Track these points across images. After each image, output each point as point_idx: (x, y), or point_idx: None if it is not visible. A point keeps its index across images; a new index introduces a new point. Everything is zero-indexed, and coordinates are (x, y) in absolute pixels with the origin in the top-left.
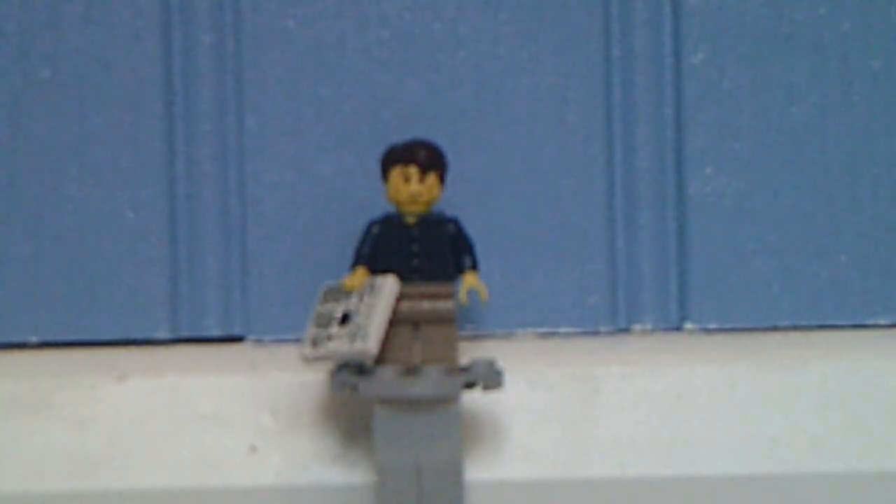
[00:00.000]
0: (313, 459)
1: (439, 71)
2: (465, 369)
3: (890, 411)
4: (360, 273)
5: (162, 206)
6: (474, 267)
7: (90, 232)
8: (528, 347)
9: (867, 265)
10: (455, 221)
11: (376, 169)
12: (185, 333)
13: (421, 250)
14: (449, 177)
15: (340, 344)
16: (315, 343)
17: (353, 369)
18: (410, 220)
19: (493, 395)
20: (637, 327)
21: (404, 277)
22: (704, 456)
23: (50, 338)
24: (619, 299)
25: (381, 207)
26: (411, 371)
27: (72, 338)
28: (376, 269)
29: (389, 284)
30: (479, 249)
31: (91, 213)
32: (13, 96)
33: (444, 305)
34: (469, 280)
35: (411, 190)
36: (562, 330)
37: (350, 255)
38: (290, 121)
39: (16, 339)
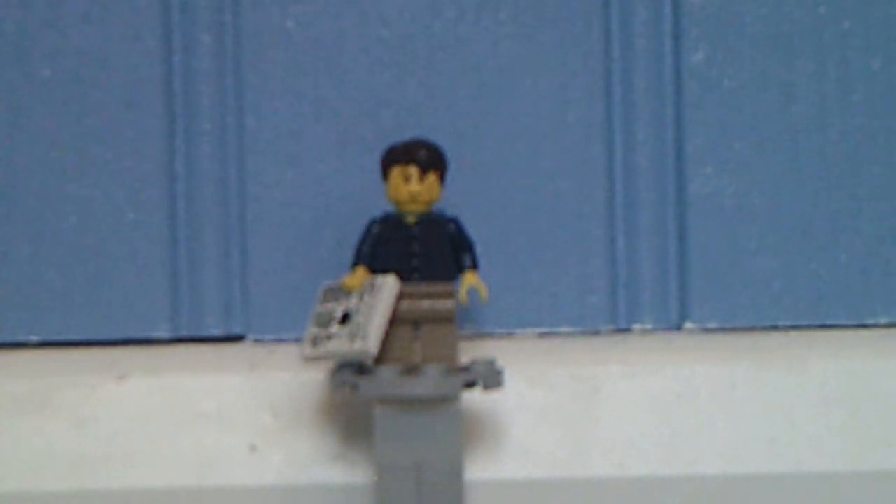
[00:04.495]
0: (313, 459)
1: (439, 71)
2: (465, 369)
3: (890, 411)
4: (361, 272)
5: (162, 206)
6: (474, 266)
7: (90, 232)
8: (528, 347)
9: (867, 265)
10: (455, 221)
11: (376, 169)
12: (185, 333)
13: (421, 250)
14: (449, 177)
15: (340, 343)
16: (315, 342)
17: (353, 369)
18: (410, 219)
19: (493, 395)
20: (637, 327)
21: (404, 277)
22: (704, 456)
23: (50, 337)
24: (619, 299)
25: (381, 207)
26: (411, 371)
27: (72, 338)
28: (376, 268)
29: (389, 284)
30: (479, 249)
31: (91, 213)
32: (13, 96)
33: (444, 305)
34: (469, 279)
35: (411, 189)
36: (562, 330)
37: (350, 255)
38: (290, 121)
39: (16, 338)
